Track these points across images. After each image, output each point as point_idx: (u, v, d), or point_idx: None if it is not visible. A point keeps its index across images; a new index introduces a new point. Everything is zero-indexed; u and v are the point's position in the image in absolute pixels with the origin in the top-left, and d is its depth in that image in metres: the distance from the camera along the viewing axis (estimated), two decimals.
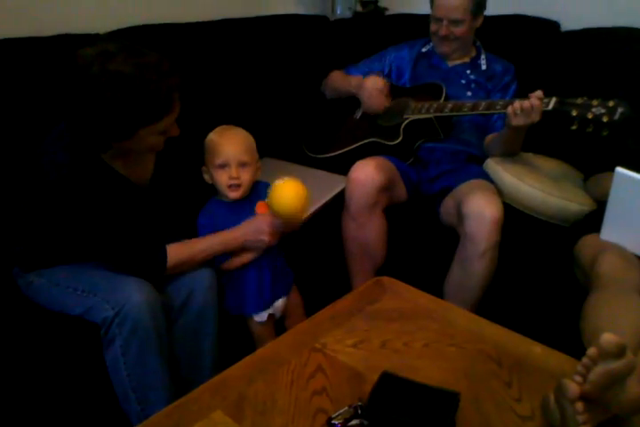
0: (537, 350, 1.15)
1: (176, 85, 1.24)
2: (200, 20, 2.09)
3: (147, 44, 1.89)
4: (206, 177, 1.48)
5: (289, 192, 1.38)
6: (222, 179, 1.43)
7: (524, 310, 1.62)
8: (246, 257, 1.46)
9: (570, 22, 2.16)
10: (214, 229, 1.45)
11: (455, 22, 1.87)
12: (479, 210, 1.54)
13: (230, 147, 1.42)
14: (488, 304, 1.64)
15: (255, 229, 1.42)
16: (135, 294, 1.27)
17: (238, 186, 1.44)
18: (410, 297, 1.31)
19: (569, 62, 2.09)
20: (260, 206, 1.47)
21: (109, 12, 1.96)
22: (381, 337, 1.18)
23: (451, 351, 1.15)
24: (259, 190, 1.49)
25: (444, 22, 1.88)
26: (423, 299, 1.31)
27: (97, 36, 1.84)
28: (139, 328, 1.26)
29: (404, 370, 1.03)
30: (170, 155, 1.42)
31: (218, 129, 1.47)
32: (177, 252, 1.37)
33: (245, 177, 1.44)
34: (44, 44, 1.72)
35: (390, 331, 1.20)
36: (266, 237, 1.42)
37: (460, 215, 1.59)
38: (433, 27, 1.93)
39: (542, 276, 1.61)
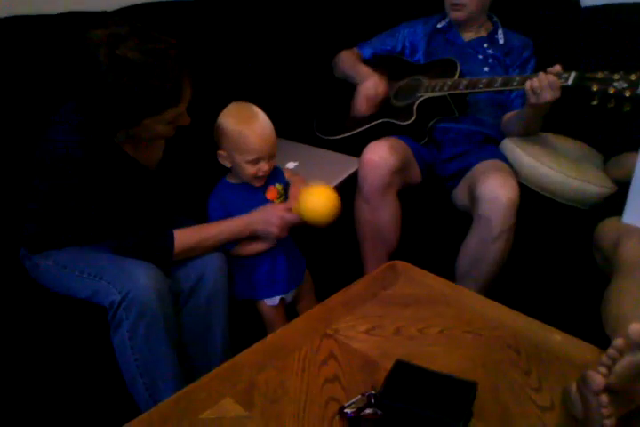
0: (556, 337, 1.11)
1: (185, 75, 1.19)
2: None
3: (156, 21, 1.87)
4: (225, 162, 1.40)
5: (321, 201, 1.33)
6: (251, 171, 1.37)
7: (541, 296, 1.58)
8: (258, 247, 1.42)
9: None
10: (225, 211, 1.41)
11: None
12: (493, 192, 1.49)
13: (263, 143, 1.34)
14: (503, 289, 1.61)
15: (265, 219, 1.38)
16: (142, 278, 1.25)
17: (265, 176, 1.41)
18: (424, 282, 1.27)
19: (589, 39, 2.02)
20: (269, 192, 1.43)
21: None
22: (395, 323, 1.15)
23: (467, 338, 1.12)
24: (270, 174, 1.44)
25: None
26: (438, 284, 1.27)
27: (104, 13, 1.81)
28: (146, 313, 1.24)
29: (418, 358, 1.00)
30: (180, 137, 1.38)
31: (236, 114, 1.37)
32: (185, 237, 1.34)
33: (272, 166, 1.40)
34: (51, 22, 1.68)
35: (404, 317, 1.17)
36: (275, 230, 1.38)
37: (474, 197, 1.55)
38: None
39: (560, 260, 1.57)
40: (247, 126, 1.34)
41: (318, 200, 1.33)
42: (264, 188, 1.44)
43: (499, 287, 1.61)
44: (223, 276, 1.40)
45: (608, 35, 1.98)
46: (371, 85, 1.86)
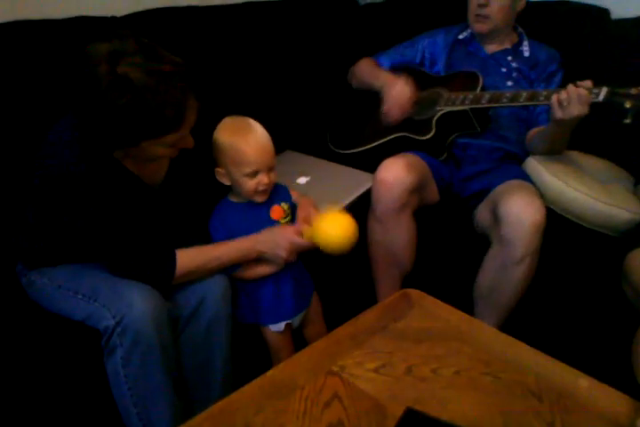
0: (583, 383, 1.02)
1: (190, 99, 1.11)
2: (222, 3, 1.96)
3: (165, 28, 1.82)
4: (223, 180, 1.33)
5: (339, 230, 1.25)
6: (250, 185, 1.29)
7: (564, 332, 1.48)
8: (263, 270, 1.35)
9: (620, 9, 1.99)
10: (228, 231, 1.34)
11: None
12: (518, 212, 1.40)
13: (259, 154, 1.27)
14: (522, 322, 1.50)
15: (273, 242, 1.30)
16: (138, 302, 1.17)
17: (266, 190, 1.33)
18: (440, 314, 1.18)
19: (620, 52, 1.92)
20: (274, 211, 1.35)
21: None
22: (407, 361, 1.06)
23: (485, 382, 1.02)
24: (275, 192, 1.37)
25: None
26: (455, 317, 1.18)
27: (114, 18, 1.75)
28: (141, 340, 1.16)
29: (430, 403, 0.92)
30: (184, 155, 1.30)
31: (230, 127, 1.30)
32: (188, 258, 1.26)
33: (272, 179, 1.32)
34: (58, 27, 1.62)
35: (417, 354, 1.08)
36: (283, 254, 1.30)
37: (496, 218, 1.45)
38: (471, 1, 1.79)
39: (586, 292, 1.47)
40: (241, 138, 1.27)
41: (335, 229, 1.25)
42: (268, 206, 1.36)
43: (518, 320, 1.51)
44: (226, 301, 1.32)
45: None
46: (401, 88, 1.76)
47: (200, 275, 1.29)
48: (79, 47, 1.34)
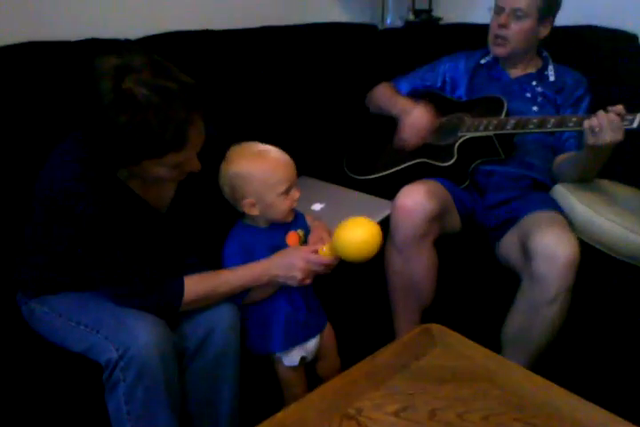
0: None
1: (195, 119, 1.05)
2: (238, 27, 1.93)
3: (179, 53, 1.79)
4: (252, 210, 1.25)
5: (361, 231, 1.20)
6: (286, 204, 1.25)
7: (599, 374, 1.38)
8: (274, 288, 1.28)
9: None
10: (248, 255, 1.27)
11: (517, 15, 1.67)
12: (551, 248, 1.32)
13: (287, 169, 1.24)
14: (554, 364, 1.40)
15: (287, 264, 1.23)
16: (143, 334, 1.10)
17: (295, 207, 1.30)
18: (464, 352, 1.09)
19: None
20: (290, 237, 1.29)
21: (141, 16, 1.82)
22: (430, 404, 0.97)
23: None
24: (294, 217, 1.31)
25: (506, 11, 1.68)
26: (480, 355, 1.09)
27: (127, 41, 1.73)
28: (145, 373, 1.09)
29: None
30: (193, 178, 1.24)
31: (244, 155, 1.24)
32: (196, 284, 1.19)
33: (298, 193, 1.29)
34: (71, 49, 1.60)
35: (441, 396, 0.99)
36: (298, 274, 1.22)
37: (527, 253, 1.37)
38: (492, 22, 1.75)
39: (621, 329, 1.37)
40: (264, 160, 1.23)
41: (357, 231, 1.20)
42: (284, 232, 1.30)
43: (547, 360, 1.41)
44: (235, 332, 1.24)
45: None
46: (419, 114, 1.70)
47: (209, 302, 1.22)
48: (84, 66, 1.30)
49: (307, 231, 1.33)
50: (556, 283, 1.32)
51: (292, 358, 1.32)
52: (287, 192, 1.23)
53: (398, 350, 1.10)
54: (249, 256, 1.27)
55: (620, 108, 1.39)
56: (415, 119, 1.71)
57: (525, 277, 1.39)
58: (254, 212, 1.26)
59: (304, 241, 1.32)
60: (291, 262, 1.23)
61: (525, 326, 1.40)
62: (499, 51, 1.76)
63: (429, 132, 1.72)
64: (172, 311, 1.19)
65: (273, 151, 1.25)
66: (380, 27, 2.32)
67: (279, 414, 0.96)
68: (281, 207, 1.25)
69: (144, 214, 1.23)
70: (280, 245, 1.28)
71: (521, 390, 1.00)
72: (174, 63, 1.74)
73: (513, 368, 1.06)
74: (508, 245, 1.51)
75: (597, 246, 1.48)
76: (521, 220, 1.49)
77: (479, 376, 1.03)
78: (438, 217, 1.47)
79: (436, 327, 1.15)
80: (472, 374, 1.04)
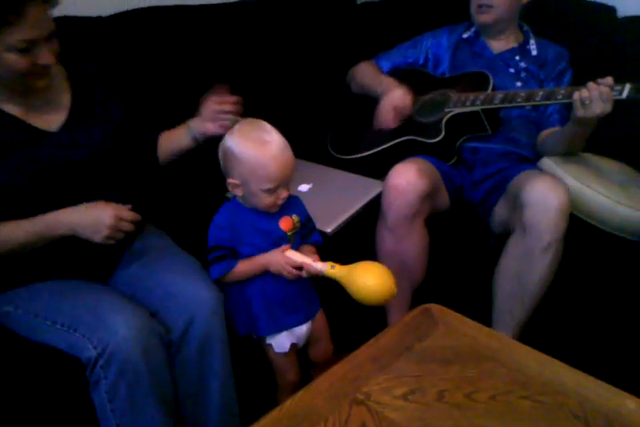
0: (630, 404, 0.93)
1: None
2: (213, 1, 1.86)
3: (153, 29, 1.72)
4: (235, 190, 1.21)
5: (377, 285, 1.15)
6: (269, 201, 1.19)
7: (590, 346, 1.40)
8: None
9: (627, 7, 1.93)
10: (234, 233, 1.23)
11: None
12: (543, 195, 1.33)
13: (283, 169, 1.16)
14: (545, 336, 1.41)
15: (94, 218, 1.15)
16: (122, 329, 1.07)
17: (282, 203, 1.23)
18: (466, 332, 1.09)
19: (626, 50, 1.86)
20: (283, 222, 1.23)
21: None
22: (437, 386, 0.97)
23: (525, 406, 0.93)
24: (287, 202, 1.25)
25: None
26: (483, 335, 1.09)
27: (99, 18, 1.65)
28: (127, 369, 1.06)
29: None
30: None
31: (249, 135, 1.17)
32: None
33: (289, 191, 1.23)
34: None
35: (447, 378, 0.98)
36: (106, 231, 1.13)
37: (519, 204, 1.37)
38: None
39: (610, 302, 1.38)
40: (265, 151, 1.15)
41: (375, 277, 1.15)
42: (279, 216, 1.25)
43: (537, 333, 1.42)
44: (217, 319, 1.20)
45: None
46: (398, 95, 1.67)
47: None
48: (64, 47, 1.24)
49: (303, 216, 1.29)
50: (549, 230, 1.33)
51: (282, 344, 1.30)
52: (273, 191, 1.17)
53: (401, 332, 1.09)
54: (235, 234, 1.23)
55: (609, 79, 1.39)
56: (393, 99, 1.68)
57: (517, 228, 1.39)
58: (237, 192, 1.21)
59: (298, 227, 1.27)
60: (98, 217, 1.14)
61: (520, 275, 1.40)
62: (484, 18, 1.72)
63: (406, 113, 1.69)
64: None
65: (277, 145, 1.16)
66: (358, 0, 2.26)
67: (287, 402, 0.94)
68: (264, 201, 1.19)
69: (25, 137, 1.18)
70: (270, 231, 1.24)
71: (526, 369, 1.00)
72: (148, 40, 1.70)
73: (516, 347, 1.06)
74: (501, 208, 1.52)
75: (586, 219, 1.49)
76: (509, 183, 1.50)
77: (484, 356, 1.03)
78: (429, 195, 1.46)
79: (435, 308, 1.14)
80: (477, 354, 1.03)
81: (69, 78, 1.29)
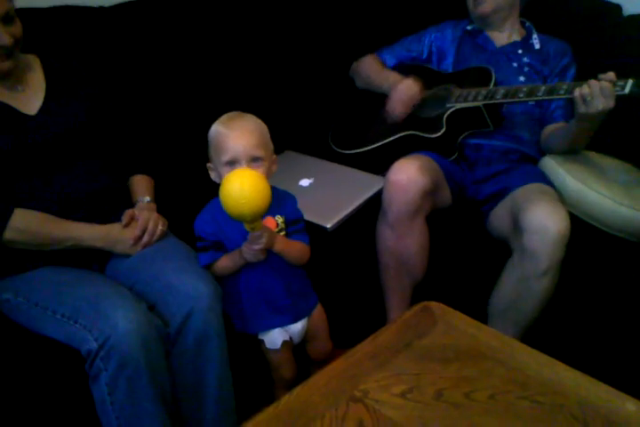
0: (630, 407, 0.92)
1: None
2: None
3: (156, 19, 1.70)
4: (213, 175, 1.24)
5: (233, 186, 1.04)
6: None
7: (589, 347, 1.39)
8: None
9: (633, 5, 1.91)
10: (217, 228, 1.23)
11: None
12: (542, 222, 1.31)
13: (239, 140, 1.16)
14: (545, 337, 1.40)
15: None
16: (122, 323, 1.06)
17: None
18: (466, 330, 1.08)
19: (631, 49, 1.84)
20: (266, 223, 1.19)
21: None
22: (436, 385, 0.96)
23: (523, 406, 0.93)
24: (279, 200, 1.22)
25: None
26: (483, 333, 1.08)
27: (102, 9, 1.64)
28: (127, 363, 1.06)
29: None
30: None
31: (223, 118, 1.21)
32: (34, 219, 1.21)
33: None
34: (44, 16, 1.51)
35: (446, 376, 0.98)
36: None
37: (518, 227, 1.36)
38: None
39: (611, 303, 1.38)
40: (226, 125, 1.19)
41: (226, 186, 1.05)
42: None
43: (540, 335, 1.41)
44: (215, 314, 1.19)
45: None
46: (408, 85, 1.68)
47: (37, 241, 1.22)
48: (66, 37, 1.23)
49: (293, 215, 1.27)
50: (547, 257, 1.31)
51: (274, 340, 1.30)
52: (231, 164, 1.16)
53: (400, 330, 1.08)
54: (219, 229, 1.23)
55: (611, 74, 1.38)
56: (402, 90, 1.68)
57: (516, 250, 1.39)
58: (213, 176, 1.23)
59: (283, 229, 1.25)
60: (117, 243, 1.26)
61: (515, 299, 1.40)
62: (482, 9, 1.71)
63: (417, 102, 1.69)
64: None
65: (244, 119, 1.20)
66: None
67: (283, 400, 0.93)
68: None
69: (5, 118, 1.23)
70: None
71: (525, 368, 0.99)
72: (151, 30, 1.68)
73: (516, 346, 1.05)
74: (499, 218, 1.51)
75: (587, 220, 1.48)
76: (510, 193, 1.49)
77: (483, 355, 1.02)
78: (431, 192, 1.45)
79: (435, 305, 1.13)
80: (476, 353, 1.03)
81: (43, 66, 1.34)
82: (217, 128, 1.19)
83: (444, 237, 1.55)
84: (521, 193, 1.45)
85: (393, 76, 1.75)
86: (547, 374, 0.98)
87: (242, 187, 1.03)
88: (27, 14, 1.45)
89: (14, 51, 1.22)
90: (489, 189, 1.57)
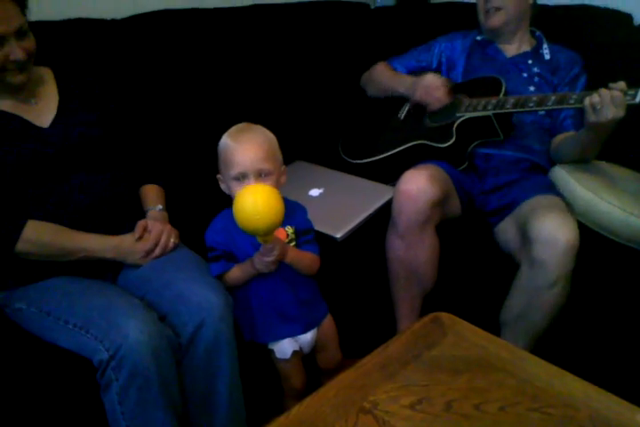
0: None
1: None
2: (228, 5, 1.87)
3: (167, 32, 1.72)
4: (223, 186, 1.24)
5: (246, 200, 1.05)
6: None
7: (599, 358, 1.38)
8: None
9: None
10: (229, 238, 1.23)
11: None
12: (551, 233, 1.31)
13: (247, 154, 1.16)
14: (556, 348, 1.40)
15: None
16: (133, 333, 1.07)
17: None
18: (476, 341, 1.08)
19: None
20: (277, 232, 1.18)
21: None
22: (445, 396, 0.96)
23: (533, 419, 0.92)
24: (289, 211, 1.17)
25: None
26: (493, 344, 1.08)
27: (113, 21, 1.66)
28: (138, 373, 1.06)
29: None
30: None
31: (232, 130, 1.22)
32: (45, 230, 1.22)
33: None
34: (56, 29, 1.53)
35: (456, 388, 0.98)
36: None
37: (527, 238, 1.36)
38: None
39: (621, 314, 1.37)
40: (234, 139, 1.19)
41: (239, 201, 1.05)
42: None
43: (550, 346, 1.40)
44: (226, 324, 1.19)
45: None
46: (432, 77, 1.71)
47: (47, 252, 1.23)
48: (78, 50, 1.24)
49: (302, 228, 1.27)
50: (556, 268, 1.31)
51: (284, 350, 1.30)
52: (239, 179, 1.17)
53: (409, 341, 1.08)
54: (230, 239, 1.23)
55: (622, 83, 1.38)
56: (429, 80, 1.70)
57: (525, 262, 1.38)
58: (223, 188, 1.24)
59: (293, 239, 1.25)
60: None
61: (525, 310, 1.40)
62: (493, 22, 1.72)
63: (446, 91, 1.70)
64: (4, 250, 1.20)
65: (252, 133, 1.20)
66: (372, 5, 2.26)
67: (293, 410, 0.94)
68: (236, 193, 1.17)
69: (19, 130, 1.25)
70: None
71: (536, 380, 0.99)
72: (162, 42, 1.71)
73: (526, 358, 1.05)
74: (506, 230, 1.50)
75: (597, 230, 1.47)
76: (519, 206, 1.48)
77: (493, 366, 1.02)
78: (441, 202, 1.45)
79: (445, 316, 1.13)
80: (486, 364, 1.02)
81: (56, 79, 1.37)
82: (226, 141, 1.20)
83: (454, 248, 1.55)
84: (529, 205, 1.45)
85: (409, 78, 1.77)
86: (557, 385, 0.98)
87: (255, 202, 1.04)
88: (40, 27, 1.48)
89: (27, 65, 1.24)
90: (496, 202, 1.57)
